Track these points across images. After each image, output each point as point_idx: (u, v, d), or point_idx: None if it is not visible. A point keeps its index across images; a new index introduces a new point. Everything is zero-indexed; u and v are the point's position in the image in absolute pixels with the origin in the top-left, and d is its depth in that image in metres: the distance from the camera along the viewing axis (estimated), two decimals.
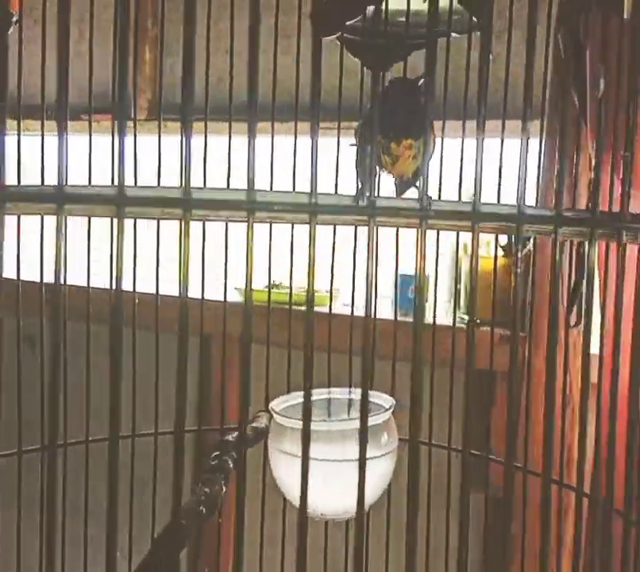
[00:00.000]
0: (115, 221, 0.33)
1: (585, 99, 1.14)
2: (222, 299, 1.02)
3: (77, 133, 0.98)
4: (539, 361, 1.34)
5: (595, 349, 1.08)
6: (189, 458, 1.50)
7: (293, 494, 0.80)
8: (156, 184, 0.97)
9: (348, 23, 1.01)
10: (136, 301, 0.91)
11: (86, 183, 0.94)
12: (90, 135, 0.96)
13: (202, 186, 0.95)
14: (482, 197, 0.36)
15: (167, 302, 0.86)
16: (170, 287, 0.81)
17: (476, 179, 0.35)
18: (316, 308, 1.15)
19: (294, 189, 0.98)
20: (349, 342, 0.97)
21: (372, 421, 0.78)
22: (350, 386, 0.90)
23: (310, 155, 0.34)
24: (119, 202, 0.32)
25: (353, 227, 0.93)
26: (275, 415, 0.81)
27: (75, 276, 0.85)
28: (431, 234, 0.98)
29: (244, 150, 0.37)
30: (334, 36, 1.02)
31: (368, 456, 0.77)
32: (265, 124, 1.06)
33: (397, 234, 1.01)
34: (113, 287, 0.34)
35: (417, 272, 0.36)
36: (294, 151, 1.00)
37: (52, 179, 0.37)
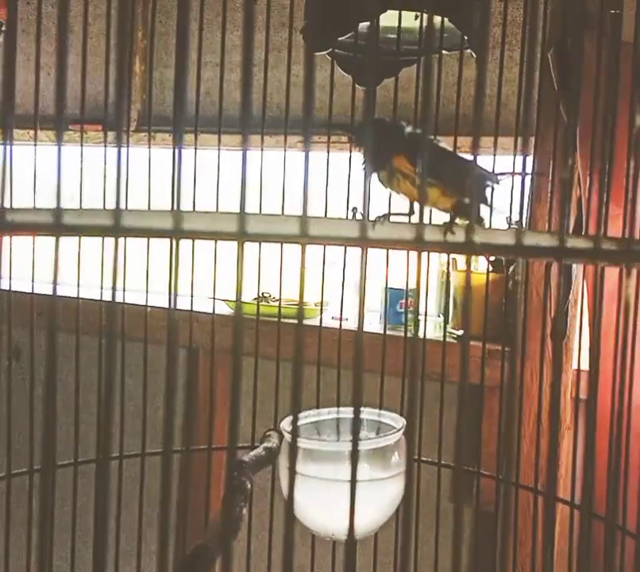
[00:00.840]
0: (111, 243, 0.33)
1: (576, 119, 1.15)
2: (211, 312, 1.01)
3: (68, 143, 0.99)
4: (528, 377, 1.35)
5: (584, 364, 1.09)
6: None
7: (304, 513, 0.80)
8: (147, 195, 0.96)
9: (339, 39, 1.02)
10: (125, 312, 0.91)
11: (81, 190, 0.93)
12: (82, 146, 0.95)
13: (193, 198, 0.95)
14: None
15: (155, 314, 0.86)
16: (159, 298, 0.81)
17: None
18: (305, 321, 1.16)
19: (283, 203, 0.98)
20: (338, 358, 0.97)
21: (382, 442, 0.78)
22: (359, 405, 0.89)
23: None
24: (115, 235, 0.32)
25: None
26: (286, 435, 0.81)
27: (67, 288, 0.85)
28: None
29: (234, 163, 0.36)
30: (326, 51, 1.03)
31: (378, 477, 0.77)
32: (256, 137, 1.06)
33: (387, 251, 1.01)
34: (106, 319, 0.34)
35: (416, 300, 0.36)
36: (284, 166, 1.00)
37: (45, 192, 0.37)
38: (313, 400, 0.95)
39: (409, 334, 1.10)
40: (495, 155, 0.93)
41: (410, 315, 1.44)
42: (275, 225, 0.32)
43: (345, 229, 0.32)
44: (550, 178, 1.10)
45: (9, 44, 0.41)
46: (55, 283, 0.33)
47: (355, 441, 0.38)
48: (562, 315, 1.28)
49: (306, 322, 1.05)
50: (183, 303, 0.98)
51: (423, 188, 0.57)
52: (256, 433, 0.97)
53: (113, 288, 0.33)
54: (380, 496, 0.79)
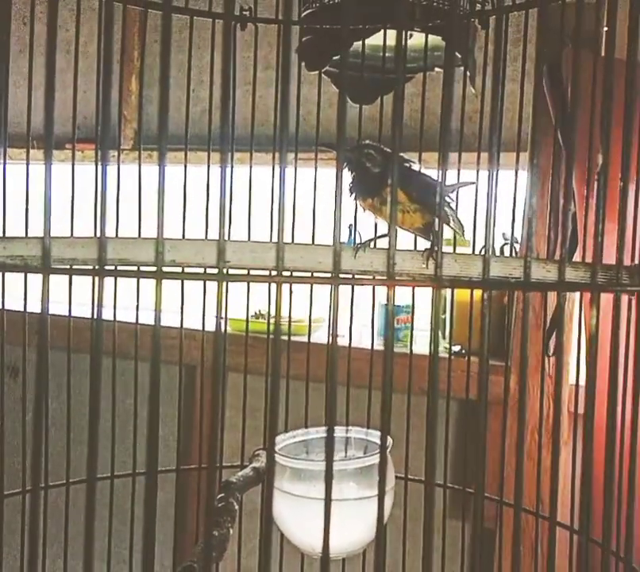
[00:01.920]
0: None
1: (570, 135, 1.16)
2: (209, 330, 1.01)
3: (61, 162, 1.00)
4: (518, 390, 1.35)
5: (576, 379, 1.09)
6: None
7: (292, 533, 0.80)
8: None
9: (334, 58, 1.03)
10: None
11: (72, 212, 0.94)
12: (73, 165, 0.95)
13: (183, 217, 0.96)
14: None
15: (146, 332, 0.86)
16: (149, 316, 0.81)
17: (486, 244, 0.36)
18: (297, 338, 1.16)
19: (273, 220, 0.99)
20: (325, 374, 0.96)
21: (369, 460, 0.78)
22: (347, 424, 0.89)
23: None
24: (99, 274, 0.32)
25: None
26: (275, 455, 0.81)
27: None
28: None
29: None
30: (321, 69, 1.04)
31: (365, 495, 0.77)
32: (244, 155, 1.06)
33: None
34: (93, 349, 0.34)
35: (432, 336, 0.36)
36: (273, 185, 1.00)
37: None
38: (303, 418, 0.95)
39: (406, 350, 1.10)
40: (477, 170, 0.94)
41: (406, 331, 1.45)
42: (257, 258, 0.33)
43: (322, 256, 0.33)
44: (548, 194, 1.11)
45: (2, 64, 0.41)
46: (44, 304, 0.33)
47: (329, 461, 0.38)
48: (551, 331, 1.28)
49: (299, 339, 1.05)
50: (178, 321, 1.00)
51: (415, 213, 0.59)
52: (245, 451, 0.97)
53: (98, 315, 0.33)
54: (368, 514, 0.78)
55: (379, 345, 1.55)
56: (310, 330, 1.04)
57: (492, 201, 0.37)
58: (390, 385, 0.34)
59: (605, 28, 1.23)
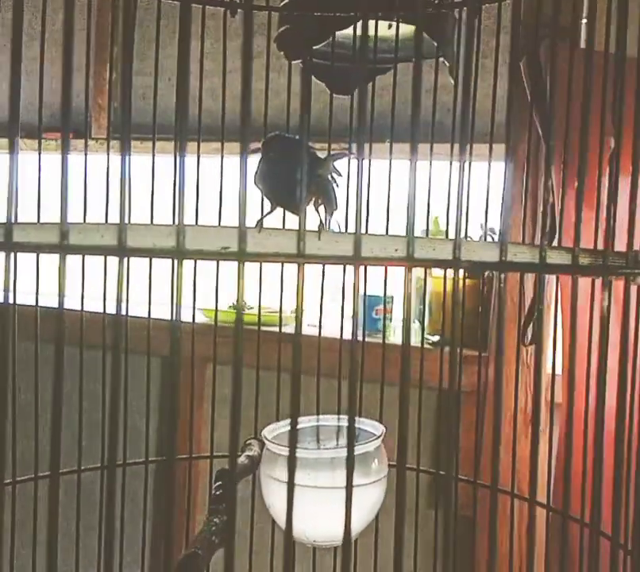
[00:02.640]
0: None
1: (549, 126, 1.16)
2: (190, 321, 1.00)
3: (31, 151, 0.98)
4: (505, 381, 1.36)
5: (554, 368, 1.10)
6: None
7: (285, 520, 0.80)
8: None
9: (314, 47, 1.02)
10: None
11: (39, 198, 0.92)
12: (39, 154, 0.94)
13: (151, 207, 0.95)
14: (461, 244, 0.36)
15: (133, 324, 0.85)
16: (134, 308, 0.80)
17: (457, 223, 0.35)
18: (273, 328, 1.15)
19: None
20: (317, 366, 0.97)
21: (361, 449, 0.78)
22: (338, 412, 0.90)
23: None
24: (62, 253, 0.31)
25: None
26: (267, 443, 0.81)
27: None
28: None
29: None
30: (300, 60, 1.03)
31: (357, 483, 0.78)
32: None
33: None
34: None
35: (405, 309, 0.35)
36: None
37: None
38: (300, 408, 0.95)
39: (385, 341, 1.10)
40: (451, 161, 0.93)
41: (386, 322, 1.45)
42: (212, 239, 0.32)
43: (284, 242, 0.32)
44: (524, 184, 1.11)
45: None
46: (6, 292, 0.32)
47: (292, 449, 0.37)
48: (529, 320, 1.28)
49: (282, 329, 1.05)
50: (160, 313, 0.99)
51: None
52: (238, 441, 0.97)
53: (61, 300, 0.33)
54: (361, 502, 0.79)
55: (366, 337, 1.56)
56: (282, 320, 1.04)
57: (464, 180, 0.36)
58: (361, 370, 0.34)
59: (584, 20, 1.23)
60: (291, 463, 0.34)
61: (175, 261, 0.32)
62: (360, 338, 1.54)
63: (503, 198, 1.01)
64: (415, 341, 1.51)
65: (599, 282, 0.46)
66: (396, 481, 0.40)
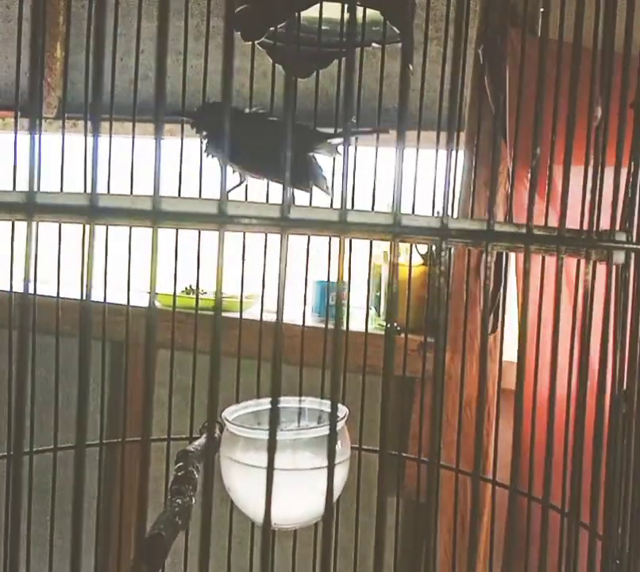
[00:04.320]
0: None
1: (504, 113, 1.17)
2: (136, 305, 0.98)
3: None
4: (454, 367, 1.37)
5: (513, 356, 1.12)
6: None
7: (245, 503, 0.79)
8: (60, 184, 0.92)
9: (271, 29, 1.01)
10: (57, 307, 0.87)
11: None
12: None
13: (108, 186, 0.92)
14: (401, 207, 0.36)
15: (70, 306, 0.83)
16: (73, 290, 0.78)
17: (395, 190, 0.35)
18: (231, 314, 1.15)
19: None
20: (259, 350, 0.96)
21: (323, 431, 0.78)
22: (300, 395, 0.89)
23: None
24: (28, 211, 0.30)
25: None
26: (228, 425, 0.81)
27: None
28: (346, 240, 1.00)
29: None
30: (257, 41, 1.02)
31: (320, 465, 0.77)
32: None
33: (308, 241, 1.01)
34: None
35: (338, 283, 0.35)
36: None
37: None
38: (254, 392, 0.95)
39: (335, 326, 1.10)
40: (417, 149, 0.94)
41: (343, 309, 1.45)
42: (192, 206, 0.31)
43: (265, 210, 0.31)
44: (473, 171, 1.12)
45: None
46: None
47: (273, 431, 0.37)
48: (493, 308, 1.30)
49: (236, 315, 1.04)
50: (116, 297, 0.97)
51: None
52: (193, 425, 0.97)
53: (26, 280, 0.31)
54: (323, 484, 0.78)
55: (314, 322, 1.57)
56: (242, 305, 1.03)
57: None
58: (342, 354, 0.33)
59: (541, 9, 1.25)
60: (271, 446, 0.34)
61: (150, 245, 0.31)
62: (329, 321, 1.53)
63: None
64: (373, 328, 1.51)
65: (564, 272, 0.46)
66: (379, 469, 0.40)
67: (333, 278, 1.44)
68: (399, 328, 1.40)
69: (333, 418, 0.34)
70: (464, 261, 1.32)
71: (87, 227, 0.31)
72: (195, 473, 0.72)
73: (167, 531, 0.60)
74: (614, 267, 0.46)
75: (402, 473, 1.00)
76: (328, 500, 0.33)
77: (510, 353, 1.12)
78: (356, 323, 1.47)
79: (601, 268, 0.48)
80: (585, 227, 0.50)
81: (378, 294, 1.54)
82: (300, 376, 0.97)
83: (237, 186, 0.84)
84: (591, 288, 0.41)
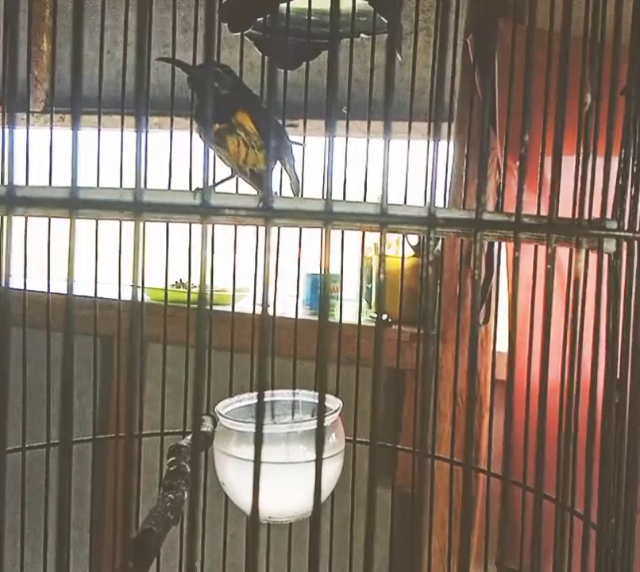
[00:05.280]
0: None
1: (493, 102, 1.17)
2: (127, 299, 0.97)
3: None
4: (447, 358, 1.37)
5: (504, 346, 1.12)
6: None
7: (239, 496, 0.79)
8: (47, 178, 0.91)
9: (259, 20, 1.00)
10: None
11: None
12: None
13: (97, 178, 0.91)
14: (389, 198, 0.35)
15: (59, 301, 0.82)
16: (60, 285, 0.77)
17: (383, 180, 0.34)
18: (221, 307, 1.14)
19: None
20: (265, 344, 0.95)
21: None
22: (294, 388, 0.89)
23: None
24: (8, 204, 0.30)
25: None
26: (221, 419, 0.80)
27: None
28: (337, 232, 1.00)
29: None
30: (244, 32, 1.01)
31: (314, 458, 0.77)
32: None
33: (300, 234, 1.00)
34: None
35: (321, 273, 0.34)
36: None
37: None
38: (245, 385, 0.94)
39: (333, 319, 1.10)
40: (409, 140, 0.93)
41: (335, 301, 1.44)
42: (173, 197, 0.31)
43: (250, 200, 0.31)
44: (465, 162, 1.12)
45: None
46: None
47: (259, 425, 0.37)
48: (483, 299, 1.30)
49: (222, 308, 1.03)
50: (105, 291, 0.96)
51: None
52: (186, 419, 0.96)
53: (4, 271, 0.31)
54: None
55: (306, 315, 1.56)
56: (234, 299, 1.02)
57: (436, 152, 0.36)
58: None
59: None
60: (258, 439, 0.33)
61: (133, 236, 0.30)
62: (313, 312, 1.53)
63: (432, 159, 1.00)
64: (365, 320, 1.51)
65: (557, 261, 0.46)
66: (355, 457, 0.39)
67: (329, 269, 1.44)
68: (390, 320, 1.40)
69: (320, 412, 0.33)
70: (456, 252, 1.32)
71: (70, 220, 0.31)
72: (188, 467, 0.72)
73: (158, 526, 0.59)
74: (605, 255, 0.46)
75: (395, 465, 1.00)
76: (316, 492, 0.33)
77: (504, 343, 1.12)
78: (349, 316, 1.47)
79: (593, 257, 0.47)
80: (577, 216, 0.50)
81: (370, 286, 1.54)
82: (294, 369, 0.96)
83: (228, 179, 0.82)
84: (582, 277, 0.41)
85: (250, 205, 0.31)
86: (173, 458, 0.73)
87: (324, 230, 0.31)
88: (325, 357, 0.32)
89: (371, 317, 1.53)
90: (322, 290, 0.32)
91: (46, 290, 0.88)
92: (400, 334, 0.99)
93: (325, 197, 0.31)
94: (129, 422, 0.31)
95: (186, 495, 0.68)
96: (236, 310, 1.01)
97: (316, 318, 1.22)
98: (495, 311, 1.17)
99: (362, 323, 1.03)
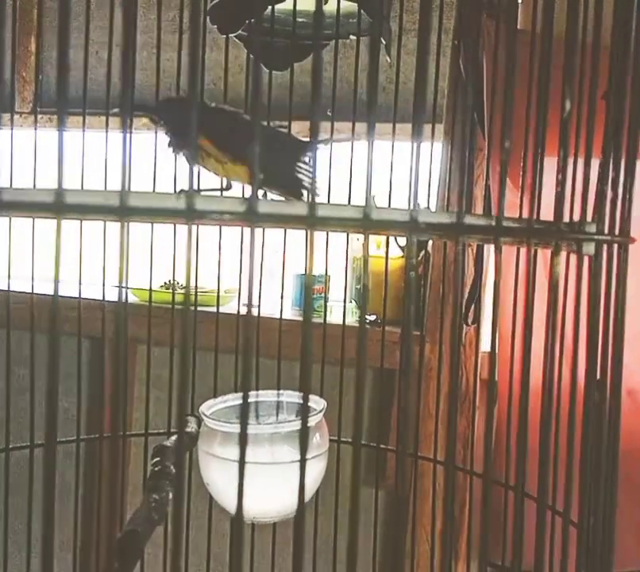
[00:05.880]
0: None
1: (482, 105, 1.18)
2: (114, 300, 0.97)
3: None
4: (433, 358, 1.38)
5: (488, 347, 1.13)
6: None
7: (223, 497, 0.80)
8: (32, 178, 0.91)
9: (247, 21, 1.00)
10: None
11: None
12: None
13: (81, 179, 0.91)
14: (376, 199, 0.36)
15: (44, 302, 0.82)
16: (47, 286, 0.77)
17: (367, 185, 0.35)
18: (209, 308, 1.14)
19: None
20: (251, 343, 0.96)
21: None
22: (278, 388, 0.89)
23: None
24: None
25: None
26: (205, 419, 0.80)
27: None
28: (322, 234, 1.00)
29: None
30: (233, 34, 1.01)
31: (299, 458, 0.77)
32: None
33: (285, 234, 1.00)
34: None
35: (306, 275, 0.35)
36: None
37: None
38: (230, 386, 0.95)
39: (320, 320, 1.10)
40: (393, 142, 0.94)
41: (321, 301, 1.45)
42: (159, 200, 0.31)
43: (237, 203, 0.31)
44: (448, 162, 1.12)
45: None
46: None
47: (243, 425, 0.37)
48: (472, 300, 1.31)
49: (217, 309, 1.03)
50: (89, 292, 0.96)
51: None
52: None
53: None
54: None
55: (294, 316, 1.57)
56: (219, 298, 1.02)
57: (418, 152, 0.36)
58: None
59: (520, 0, 1.25)
60: (242, 440, 0.33)
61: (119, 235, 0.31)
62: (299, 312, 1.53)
63: (413, 161, 1.01)
64: (351, 320, 1.52)
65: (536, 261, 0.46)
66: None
67: (312, 272, 1.45)
68: (378, 321, 1.40)
69: (304, 412, 0.34)
70: (442, 254, 1.33)
71: (57, 223, 0.31)
72: (172, 468, 0.72)
73: (143, 526, 0.59)
74: (585, 258, 0.47)
75: (382, 465, 1.01)
76: (300, 491, 0.33)
77: (489, 344, 1.13)
78: (336, 316, 1.47)
79: (574, 260, 0.48)
80: (556, 219, 0.51)
81: (358, 287, 1.55)
82: (278, 370, 0.97)
83: (225, 189, 0.83)
84: (558, 280, 0.41)
85: (235, 209, 0.31)
86: (157, 459, 0.73)
87: (308, 234, 0.31)
88: (308, 357, 0.33)
89: (359, 318, 1.53)
90: (306, 291, 0.32)
91: (30, 291, 0.87)
92: (384, 334, 0.99)
93: (308, 201, 0.32)
94: (114, 423, 0.32)
95: (170, 495, 0.68)
96: (225, 311, 1.01)
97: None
98: (482, 312, 1.18)
99: (349, 324, 1.04)
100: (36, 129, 0.87)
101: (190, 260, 0.31)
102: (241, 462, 0.34)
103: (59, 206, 0.30)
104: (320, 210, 0.32)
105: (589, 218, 0.51)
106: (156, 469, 0.71)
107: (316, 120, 0.34)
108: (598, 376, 0.50)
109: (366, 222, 0.32)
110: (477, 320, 1.33)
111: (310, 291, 0.35)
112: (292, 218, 0.32)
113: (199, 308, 1.01)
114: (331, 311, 1.54)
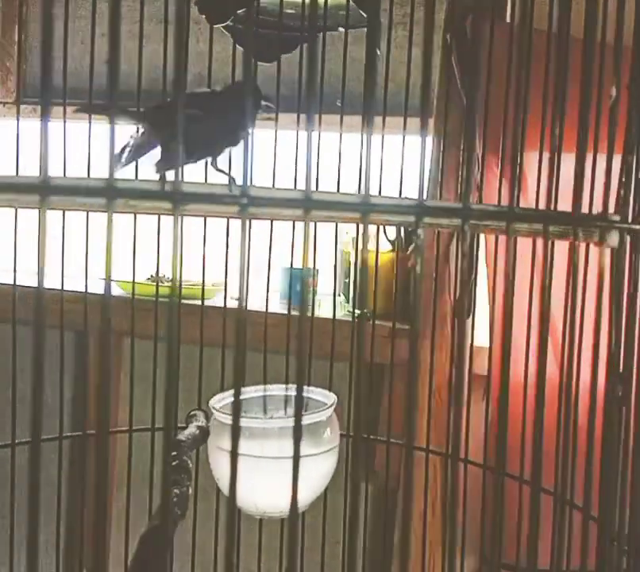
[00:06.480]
0: None
1: (474, 98, 1.16)
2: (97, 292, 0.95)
3: None
4: (424, 353, 1.37)
5: (482, 341, 1.12)
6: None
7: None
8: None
9: (238, 12, 0.99)
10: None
11: None
12: None
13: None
14: (370, 185, 0.34)
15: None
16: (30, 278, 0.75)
17: (365, 168, 0.34)
18: (210, 302, 1.13)
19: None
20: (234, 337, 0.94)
21: (313, 418, 0.77)
22: (286, 382, 0.88)
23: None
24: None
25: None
26: (215, 413, 0.79)
27: None
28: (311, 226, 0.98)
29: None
30: (223, 24, 1.00)
31: (309, 453, 0.76)
32: None
33: (271, 226, 0.99)
34: None
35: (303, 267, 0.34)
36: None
37: None
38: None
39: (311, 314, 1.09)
40: (383, 135, 0.93)
41: (310, 295, 1.44)
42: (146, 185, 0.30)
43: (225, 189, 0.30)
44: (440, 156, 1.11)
45: None
46: None
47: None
48: (467, 293, 1.30)
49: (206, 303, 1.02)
50: (74, 285, 0.94)
51: None
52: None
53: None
54: (312, 472, 0.78)
55: (283, 309, 1.55)
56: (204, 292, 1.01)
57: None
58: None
59: None
60: (235, 432, 0.32)
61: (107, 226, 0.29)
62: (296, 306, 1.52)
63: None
64: (342, 314, 1.51)
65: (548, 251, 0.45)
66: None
67: (299, 265, 1.43)
68: (368, 314, 1.39)
69: (298, 407, 0.33)
70: (433, 248, 1.32)
71: (41, 208, 0.30)
72: (189, 462, 0.71)
73: (165, 520, 0.58)
74: (607, 250, 0.45)
75: (372, 458, 1.00)
76: (294, 489, 0.32)
77: (482, 338, 1.12)
78: (325, 310, 1.46)
79: (593, 252, 0.46)
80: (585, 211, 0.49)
81: (347, 281, 1.53)
82: (286, 364, 0.94)
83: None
84: (581, 272, 0.40)
85: (224, 192, 0.30)
86: (174, 453, 0.72)
87: (304, 221, 0.30)
88: (303, 350, 0.32)
89: (348, 311, 1.52)
90: (302, 283, 0.31)
91: (12, 282, 0.85)
92: (374, 329, 0.98)
93: (305, 185, 0.30)
94: (99, 418, 0.31)
95: (190, 490, 0.67)
96: (214, 304, 1.00)
97: (292, 313, 1.21)
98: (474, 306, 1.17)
99: (339, 318, 1.03)
100: (18, 120, 0.86)
101: (176, 249, 0.30)
102: (233, 456, 0.33)
103: (45, 187, 0.28)
104: (315, 196, 0.30)
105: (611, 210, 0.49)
106: (174, 463, 0.70)
107: (311, 114, 0.33)
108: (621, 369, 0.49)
109: (366, 207, 0.31)
110: (471, 313, 1.32)
111: (307, 282, 0.34)
112: (287, 202, 0.30)
113: (187, 301, 0.99)
114: (320, 305, 1.52)
